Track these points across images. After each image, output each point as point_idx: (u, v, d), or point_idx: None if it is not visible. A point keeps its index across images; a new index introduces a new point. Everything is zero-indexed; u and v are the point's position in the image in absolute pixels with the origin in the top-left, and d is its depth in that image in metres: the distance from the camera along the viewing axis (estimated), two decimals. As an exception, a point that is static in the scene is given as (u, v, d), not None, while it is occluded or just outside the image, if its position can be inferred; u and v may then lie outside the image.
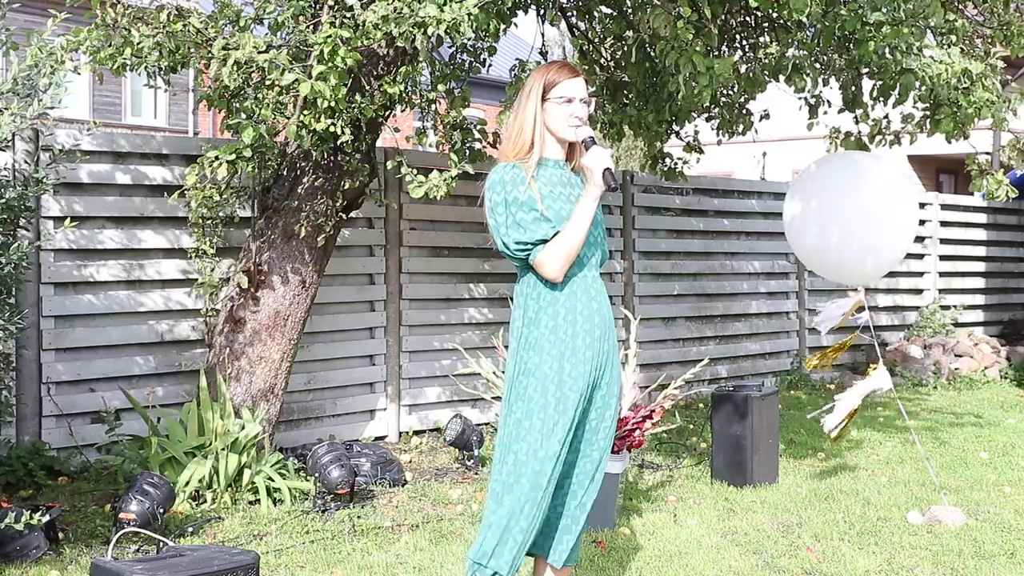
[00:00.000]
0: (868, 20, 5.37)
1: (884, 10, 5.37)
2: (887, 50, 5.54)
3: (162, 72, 5.28)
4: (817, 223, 5.56)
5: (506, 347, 3.34)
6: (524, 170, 3.18)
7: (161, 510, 4.62)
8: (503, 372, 5.49)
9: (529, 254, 3.15)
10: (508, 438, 3.20)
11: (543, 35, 7.00)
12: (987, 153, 13.47)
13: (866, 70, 6.18)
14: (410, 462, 6.47)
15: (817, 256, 5.68)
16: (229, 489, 5.22)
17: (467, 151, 5.88)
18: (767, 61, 6.26)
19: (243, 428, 5.36)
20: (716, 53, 6.45)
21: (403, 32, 4.68)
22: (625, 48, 7.12)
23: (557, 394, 3.15)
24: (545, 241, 3.13)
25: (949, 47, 5.84)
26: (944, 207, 11.34)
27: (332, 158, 5.69)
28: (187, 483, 5.13)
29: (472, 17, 4.70)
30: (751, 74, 6.38)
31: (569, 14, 7.12)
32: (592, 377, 3.23)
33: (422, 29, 4.66)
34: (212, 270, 5.97)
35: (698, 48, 5.20)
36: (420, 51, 4.80)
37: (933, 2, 5.42)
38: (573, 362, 3.17)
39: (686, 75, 5.22)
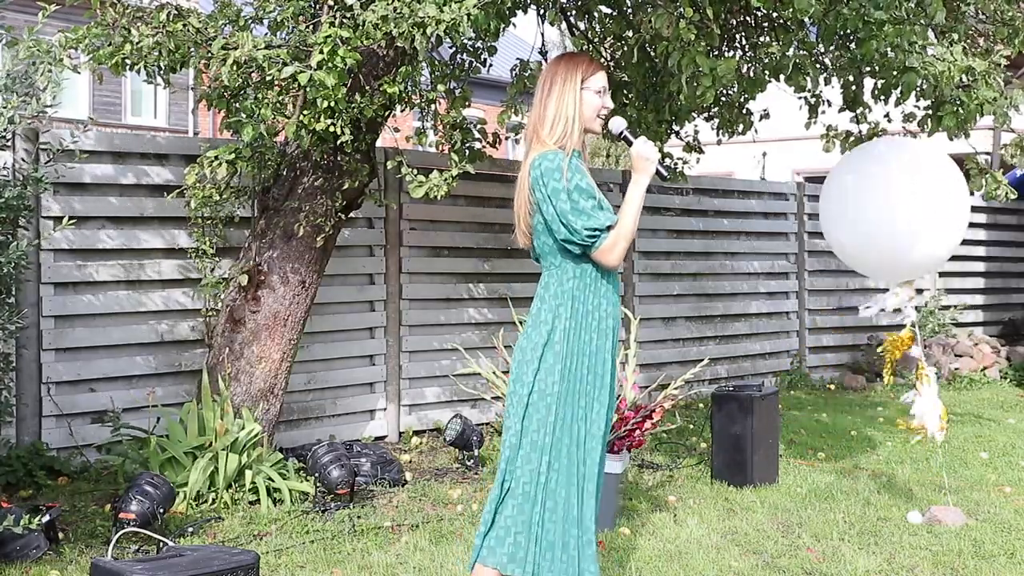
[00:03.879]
0: (870, 18, 5.36)
1: (885, 8, 5.35)
2: (889, 49, 5.53)
3: (162, 72, 5.28)
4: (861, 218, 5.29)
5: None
6: (574, 158, 3.21)
7: (161, 510, 4.62)
8: (504, 372, 5.49)
9: (596, 240, 3.15)
10: (560, 434, 3.17)
11: (543, 35, 6.99)
12: (987, 153, 13.49)
13: (867, 69, 6.17)
14: (410, 462, 6.47)
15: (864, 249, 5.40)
16: (229, 489, 5.22)
17: (467, 151, 5.88)
18: (767, 61, 6.26)
19: (243, 428, 5.36)
20: (716, 53, 6.44)
21: (402, 32, 4.67)
22: (625, 48, 7.11)
23: (599, 384, 3.23)
24: (612, 228, 3.16)
25: (951, 45, 5.83)
26: (944, 207, 11.32)
27: (332, 158, 5.69)
28: (187, 483, 5.13)
29: (471, 17, 4.69)
30: (752, 74, 6.38)
31: (569, 14, 7.12)
32: (612, 372, 3.28)
33: (421, 29, 4.65)
34: (212, 270, 5.97)
35: (700, 48, 5.19)
36: (419, 51, 4.80)
37: (935, 0, 5.41)
38: (610, 351, 3.25)
39: (688, 76, 5.22)
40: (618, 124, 3.30)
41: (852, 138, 6.96)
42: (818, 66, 6.23)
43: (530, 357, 3.21)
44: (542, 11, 6.72)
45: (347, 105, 5.07)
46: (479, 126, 6.06)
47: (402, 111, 5.88)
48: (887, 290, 5.47)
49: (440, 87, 5.76)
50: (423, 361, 7.30)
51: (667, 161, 7.92)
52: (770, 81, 6.33)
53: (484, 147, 6.14)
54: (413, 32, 4.68)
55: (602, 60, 7.27)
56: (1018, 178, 11.62)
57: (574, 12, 7.10)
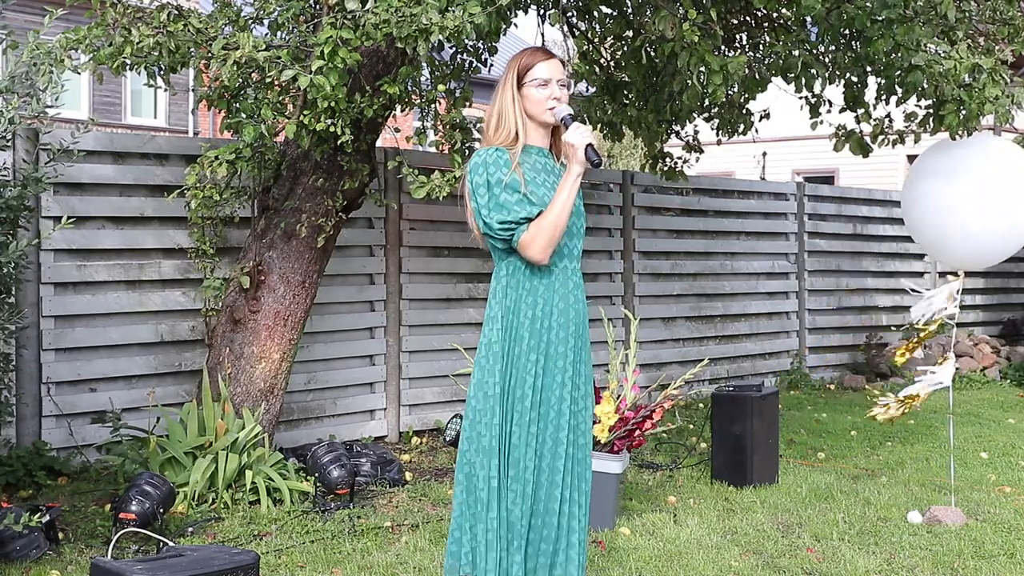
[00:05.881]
0: (878, 17, 5.35)
1: (893, 5, 5.33)
2: (895, 47, 5.53)
3: (162, 72, 5.28)
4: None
5: (484, 345, 3.25)
6: (508, 154, 3.13)
7: (161, 510, 4.62)
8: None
9: (513, 235, 3.07)
10: (499, 434, 3.11)
11: (543, 35, 7.00)
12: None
13: (870, 68, 6.16)
14: (410, 462, 6.47)
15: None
16: (229, 489, 5.22)
17: (467, 151, 5.88)
18: (771, 60, 6.25)
19: (243, 428, 5.36)
20: (717, 53, 6.45)
21: (404, 37, 4.68)
22: (625, 48, 7.12)
23: (533, 385, 3.10)
24: (530, 220, 3.07)
25: (954, 44, 5.82)
26: (944, 207, 11.32)
27: (332, 158, 5.69)
28: (187, 483, 5.13)
29: (474, 24, 4.69)
30: (756, 75, 6.38)
31: (569, 14, 7.12)
32: (568, 376, 3.18)
33: (425, 35, 4.66)
34: (212, 270, 5.97)
35: (706, 47, 5.20)
36: (421, 55, 4.80)
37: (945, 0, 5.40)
38: (547, 355, 3.12)
39: (698, 75, 5.22)
40: (560, 112, 3.18)
41: (855, 137, 6.95)
42: (822, 66, 6.23)
43: (478, 358, 3.18)
44: (542, 11, 6.73)
45: (347, 105, 5.08)
46: (479, 126, 6.06)
47: (402, 111, 5.88)
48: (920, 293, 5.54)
49: (440, 87, 5.76)
50: (423, 361, 7.30)
51: (669, 161, 7.92)
52: (771, 81, 6.33)
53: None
54: (416, 37, 4.68)
55: (601, 60, 7.28)
56: None
57: (574, 12, 7.11)
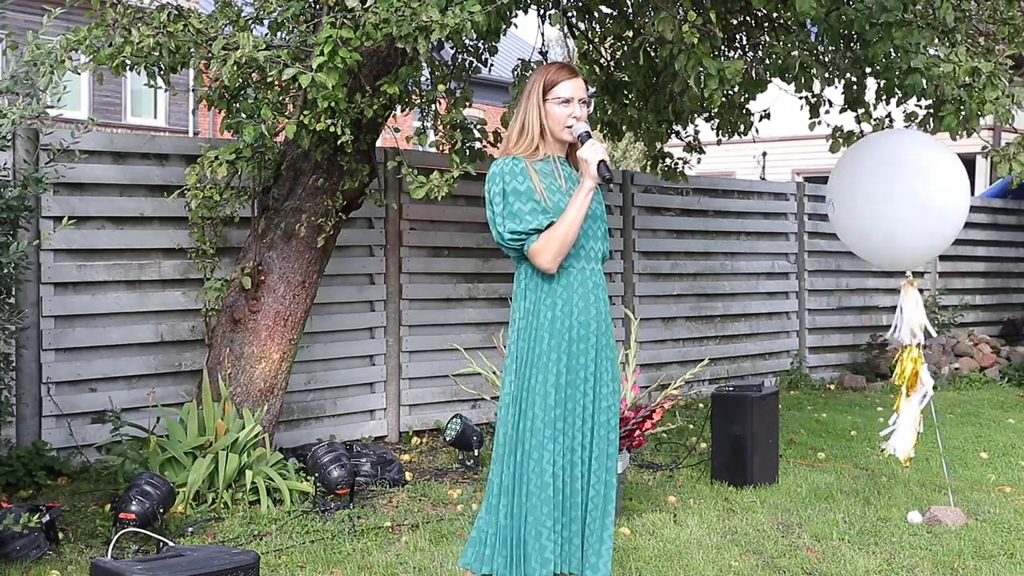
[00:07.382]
0: (877, 20, 5.35)
1: (891, 9, 5.33)
2: (893, 51, 5.52)
3: (162, 72, 5.28)
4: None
5: (506, 346, 3.33)
6: (526, 163, 3.21)
7: (161, 510, 4.62)
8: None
9: (523, 244, 3.17)
10: (513, 433, 3.18)
11: (543, 35, 7.00)
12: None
13: (869, 69, 6.15)
14: (410, 462, 6.47)
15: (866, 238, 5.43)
16: (229, 489, 5.22)
17: (467, 151, 5.88)
18: (770, 61, 6.25)
19: (243, 428, 5.36)
20: (717, 54, 6.45)
21: (404, 35, 4.68)
22: (625, 48, 7.12)
23: (556, 383, 3.16)
24: (540, 231, 3.15)
25: (953, 46, 5.82)
26: (944, 207, 11.31)
27: (332, 158, 5.69)
28: (187, 483, 5.13)
29: (474, 23, 4.69)
30: (754, 75, 6.38)
31: (569, 14, 7.12)
32: (591, 371, 3.22)
33: (425, 33, 4.66)
34: (212, 270, 5.97)
35: (705, 50, 5.20)
36: (421, 54, 4.80)
37: (944, 3, 5.39)
38: (570, 354, 3.18)
39: (695, 78, 5.22)
40: (577, 129, 3.27)
41: (855, 138, 6.95)
42: (821, 66, 6.22)
43: (507, 356, 3.28)
44: (542, 11, 6.73)
45: (347, 105, 5.08)
46: (479, 126, 6.06)
47: (402, 111, 5.88)
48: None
49: (440, 87, 5.76)
50: (423, 361, 7.30)
51: (669, 162, 7.92)
52: (771, 81, 6.32)
53: (485, 147, 6.15)
54: (416, 35, 4.68)
55: (601, 60, 7.28)
56: (1003, 186, 11.67)
57: (574, 12, 7.11)
